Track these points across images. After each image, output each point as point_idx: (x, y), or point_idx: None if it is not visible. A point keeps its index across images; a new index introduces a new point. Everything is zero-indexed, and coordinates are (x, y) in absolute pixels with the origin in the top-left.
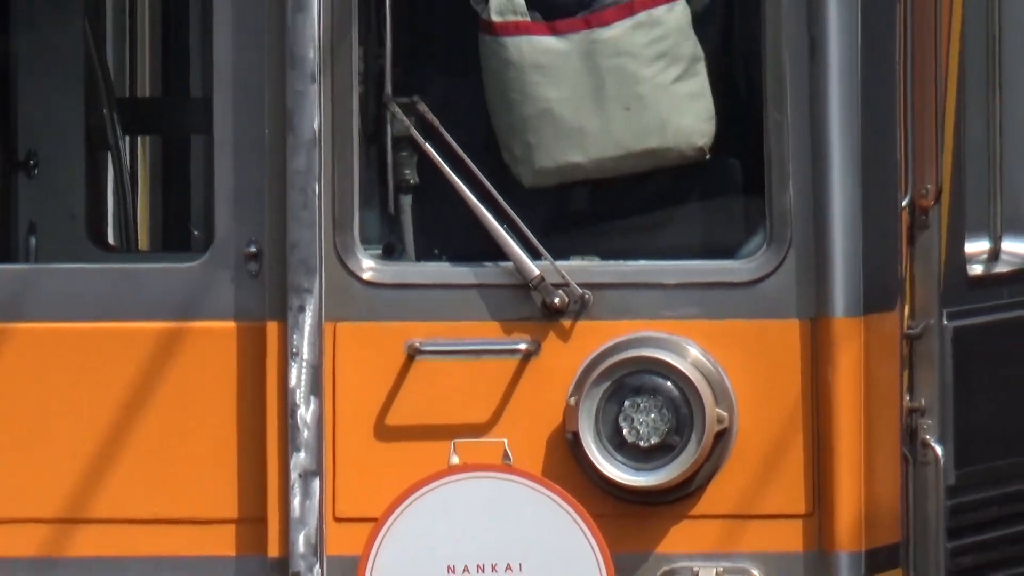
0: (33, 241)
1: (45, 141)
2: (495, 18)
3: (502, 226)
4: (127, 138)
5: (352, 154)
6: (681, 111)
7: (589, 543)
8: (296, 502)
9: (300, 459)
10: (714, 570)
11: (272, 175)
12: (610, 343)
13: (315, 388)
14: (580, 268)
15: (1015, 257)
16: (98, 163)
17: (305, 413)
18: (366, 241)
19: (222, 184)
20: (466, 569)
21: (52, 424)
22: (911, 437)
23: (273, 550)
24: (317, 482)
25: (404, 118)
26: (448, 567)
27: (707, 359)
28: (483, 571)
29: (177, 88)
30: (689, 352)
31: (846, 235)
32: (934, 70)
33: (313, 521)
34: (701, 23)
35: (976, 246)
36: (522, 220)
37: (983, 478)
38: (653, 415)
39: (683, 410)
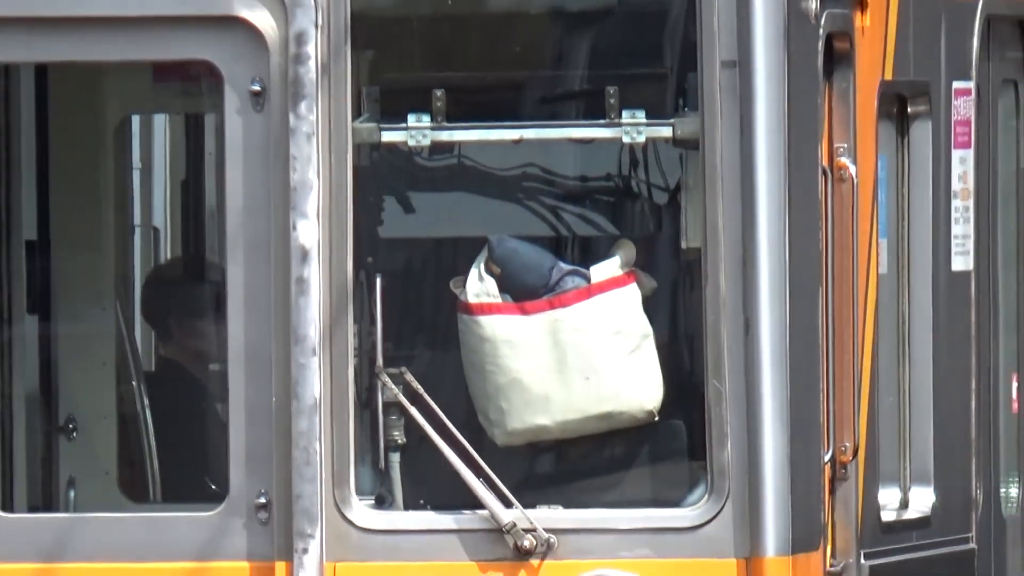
0: (72, 494)
1: (81, 408)
2: (471, 300)
3: (479, 479)
4: (149, 404)
5: (348, 418)
6: (633, 380)
7: None
8: None
9: None
10: None
11: (279, 436)
12: None
13: None
14: (546, 516)
15: (921, 505)
16: (127, 427)
17: None
18: (360, 493)
19: (235, 443)
20: None
21: None
22: None
23: None
24: None
25: (393, 387)
26: None
27: None
28: None
29: (194, 359)
30: None
31: (776, 486)
32: (851, 347)
33: None
34: (649, 305)
35: (888, 495)
36: (496, 474)
37: None
38: None
39: None
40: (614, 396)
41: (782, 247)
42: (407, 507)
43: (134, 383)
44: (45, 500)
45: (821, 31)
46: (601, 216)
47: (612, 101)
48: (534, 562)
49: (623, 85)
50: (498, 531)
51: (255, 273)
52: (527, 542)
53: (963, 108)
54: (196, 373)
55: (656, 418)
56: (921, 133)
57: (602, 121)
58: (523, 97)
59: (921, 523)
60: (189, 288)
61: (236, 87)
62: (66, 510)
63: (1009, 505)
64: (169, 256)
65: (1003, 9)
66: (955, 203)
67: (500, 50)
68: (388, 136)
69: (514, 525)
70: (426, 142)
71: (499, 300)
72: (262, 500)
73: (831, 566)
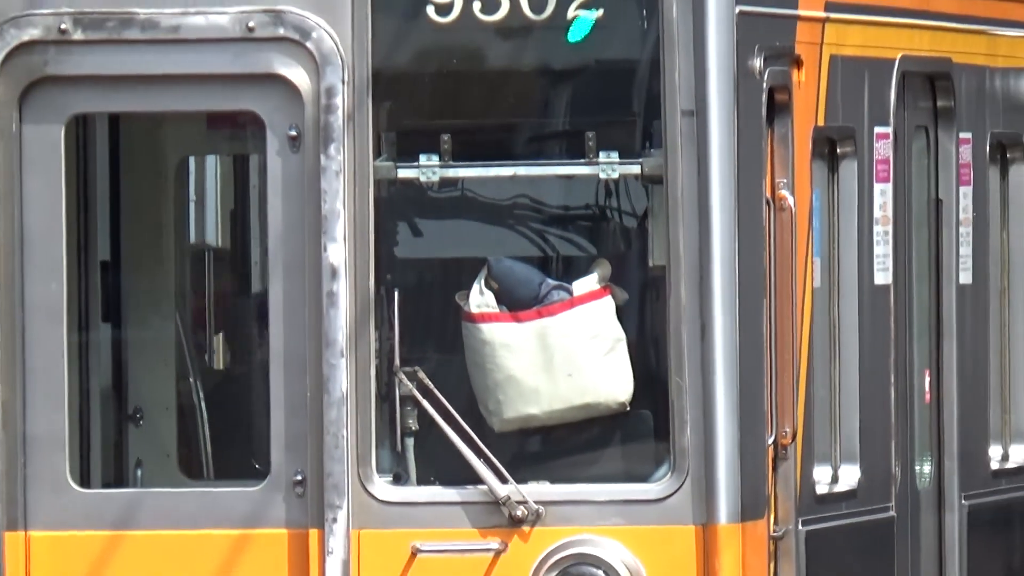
0: (139, 472)
1: (146, 400)
2: (474, 310)
3: (479, 459)
4: (204, 397)
5: (370, 409)
6: (608, 376)
7: None
8: None
9: None
10: None
11: (312, 424)
12: (558, 543)
13: (347, 574)
14: (535, 490)
15: (849, 480)
16: (185, 416)
17: None
18: (381, 471)
19: (276, 430)
20: None
21: None
22: None
23: None
24: None
25: (408, 383)
26: None
27: (628, 555)
28: None
29: (241, 359)
30: (615, 551)
31: (728, 465)
32: (791, 348)
33: None
34: (622, 313)
35: (821, 472)
36: (493, 455)
37: None
38: None
39: None
40: (592, 389)
41: (733, 265)
42: (420, 483)
43: (190, 379)
44: (116, 477)
45: (764, 85)
46: (581, 239)
47: (590, 143)
48: (525, 528)
49: (599, 130)
50: (495, 503)
51: (292, 288)
52: (519, 512)
53: (883, 149)
54: (243, 371)
55: (627, 408)
56: (848, 170)
57: (582, 160)
58: (516, 140)
59: (849, 495)
60: (243, 304)
61: (276, 133)
62: (133, 486)
63: (922, 479)
64: (220, 276)
65: (915, 66)
66: (877, 228)
67: (496, 101)
68: (403, 173)
69: (509, 498)
70: (435, 178)
71: (497, 310)
72: (299, 477)
73: (774, 531)
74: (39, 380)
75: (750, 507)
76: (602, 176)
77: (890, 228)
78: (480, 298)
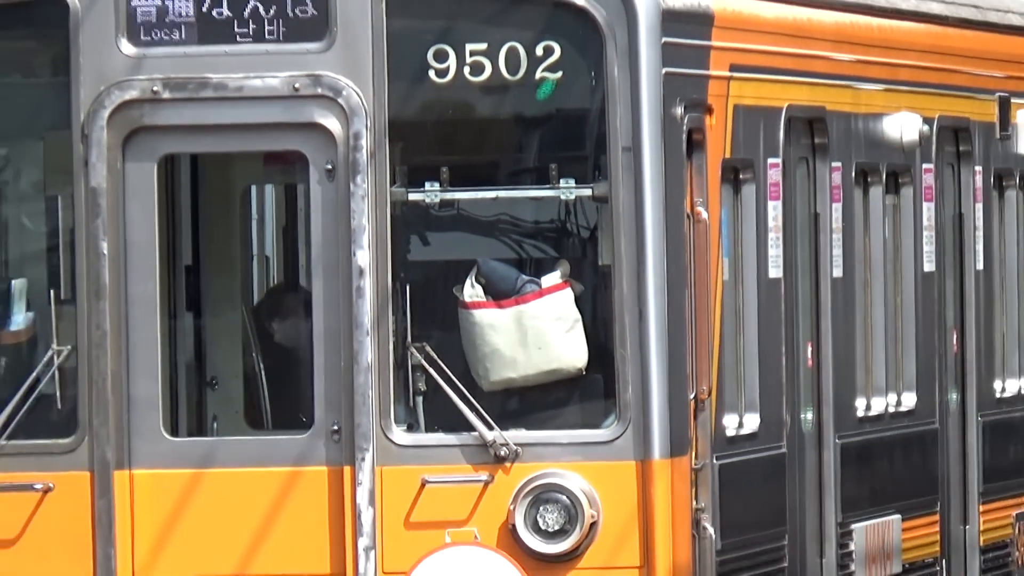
0: (215, 424)
1: (220, 370)
2: (467, 299)
3: (472, 412)
4: (263, 367)
5: (389, 375)
6: (569, 348)
7: None
8: (361, 562)
9: (363, 540)
10: None
11: (345, 386)
12: (531, 476)
13: (372, 501)
14: (514, 435)
15: (751, 426)
16: (249, 381)
17: (366, 515)
18: (397, 422)
19: (318, 391)
20: None
21: (231, 512)
22: (696, 524)
23: None
24: (373, 552)
25: (418, 355)
26: None
27: (585, 484)
28: None
29: (291, 338)
30: (575, 480)
31: (659, 415)
32: (706, 326)
33: (372, 574)
34: (579, 301)
35: (730, 419)
36: (483, 409)
37: (735, 545)
38: (556, 514)
39: (572, 511)
40: (557, 359)
41: (662, 264)
42: (427, 430)
43: (253, 353)
44: (198, 428)
45: (684, 128)
46: (547, 246)
47: (553, 173)
48: (507, 464)
49: (560, 163)
50: (484, 445)
51: (329, 284)
52: (503, 452)
53: (774, 175)
54: (293, 347)
55: (583, 373)
56: (748, 191)
57: (547, 186)
58: (497, 171)
59: (751, 437)
60: (292, 299)
61: (316, 167)
62: (210, 435)
63: (806, 424)
64: (276, 275)
65: (798, 113)
66: (770, 235)
67: (482, 141)
68: (412, 196)
69: (494, 441)
70: (436, 200)
71: (484, 299)
72: (335, 427)
73: (695, 465)
74: (139, 356)
75: (677, 446)
76: (562, 198)
77: (780, 235)
78: (471, 290)
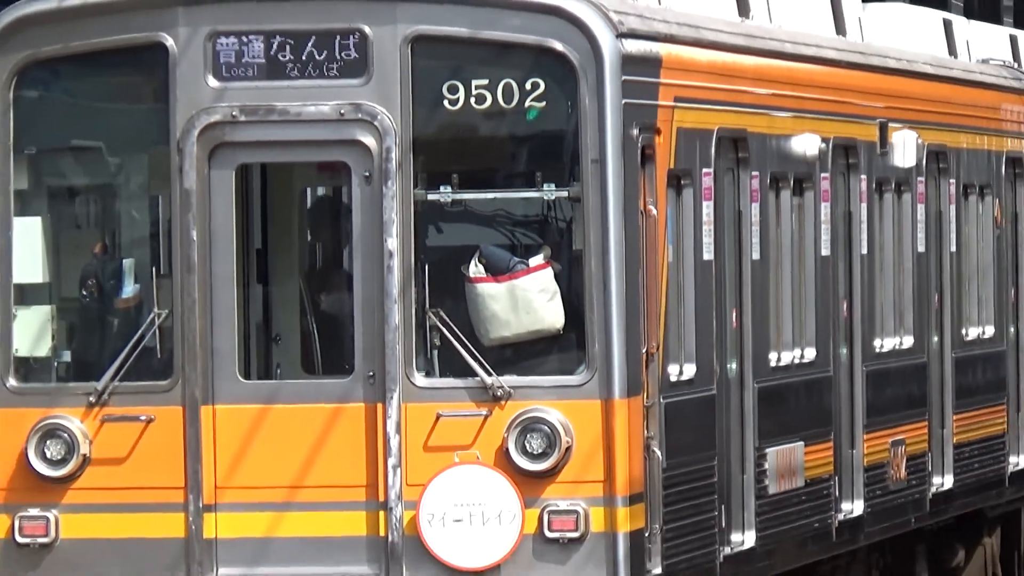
0: (279, 370)
1: (283, 329)
2: (471, 275)
3: (476, 362)
4: (316, 327)
5: (412, 333)
6: (550, 314)
7: (513, 494)
8: (390, 477)
9: (392, 459)
10: (567, 503)
11: (378, 341)
12: (521, 411)
13: (398, 430)
14: (508, 379)
15: (689, 373)
16: (306, 337)
17: (393, 441)
18: (418, 370)
19: (358, 345)
20: (461, 503)
21: (289, 438)
22: (647, 448)
23: (382, 497)
24: (399, 469)
25: (434, 318)
26: (454, 502)
27: (562, 417)
28: (469, 505)
29: (337, 304)
30: (554, 415)
31: (619, 365)
32: (655, 297)
33: (398, 486)
34: (558, 277)
35: (673, 368)
36: (484, 360)
37: (677, 464)
38: (539, 441)
39: (552, 438)
40: (541, 321)
41: (622, 249)
42: (440, 376)
43: (308, 316)
44: (265, 373)
45: (639, 145)
46: (534, 234)
47: (538, 178)
48: (502, 402)
49: (544, 171)
50: (484, 388)
51: (367, 263)
52: (498, 393)
53: (707, 181)
54: (339, 311)
55: (561, 332)
56: (687, 194)
57: (534, 189)
58: (496, 177)
59: (689, 382)
60: (338, 275)
61: (358, 174)
62: (274, 379)
63: (731, 372)
64: (324, 257)
65: (726, 134)
66: (704, 227)
67: (484, 154)
68: (430, 196)
69: (492, 384)
70: (449, 200)
71: (485, 276)
72: (371, 373)
73: (646, 403)
74: (220, 317)
75: (632, 389)
76: (545, 198)
77: (712, 227)
78: (475, 268)
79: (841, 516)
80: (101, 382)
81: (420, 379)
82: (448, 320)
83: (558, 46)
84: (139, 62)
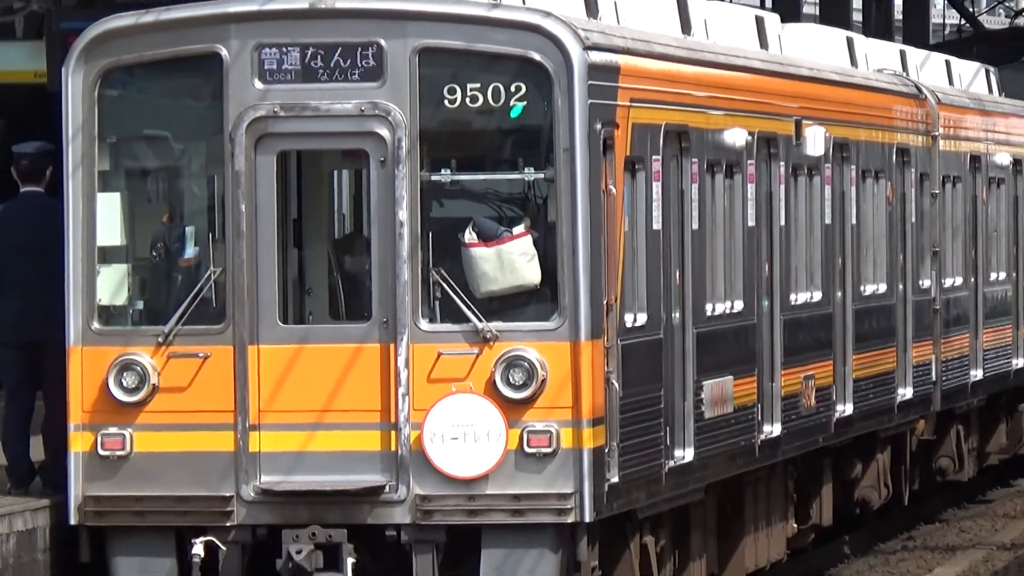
0: (311, 317)
1: (314, 283)
2: (467, 241)
3: (469, 311)
4: (340, 281)
5: (418, 287)
6: (530, 272)
7: (499, 417)
8: (400, 403)
9: (402, 388)
10: (542, 424)
11: (391, 295)
12: (506, 350)
13: (407, 365)
14: (496, 325)
15: (641, 320)
16: (332, 291)
17: (403, 374)
18: (423, 316)
19: (375, 297)
20: (457, 424)
21: (319, 371)
22: (607, 381)
23: (393, 419)
24: (407, 397)
25: (436, 275)
26: (451, 424)
27: (539, 356)
28: (463, 426)
29: (358, 264)
30: (533, 353)
31: (585, 314)
32: (615, 258)
33: (406, 410)
34: (536, 243)
35: (628, 316)
36: (477, 309)
37: (631, 394)
38: (520, 374)
39: (531, 372)
40: (522, 278)
41: (588, 220)
42: (441, 322)
43: (334, 273)
44: (299, 319)
45: (601, 137)
46: (517, 208)
47: (521, 163)
48: (491, 343)
49: (525, 157)
50: (476, 331)
51: (382, 232)
52: (488, 336)
53: (656, 167)
54: (360, 270)
55: (539, 288)
56: (640, 176)
57: (517, 172)
58: (486, 162)
59: (641, 328)
60: (359, 240)
61: (375, 159)
62: (306, 323)
63: (674, 319)
64: (348, 225)
65: (671, 128)
66: (654, 203)
67: (477, 144)
68: (433, 178)
69: (483, 329)
70: (448, 180)
71: (478, 241)
72: (385, 320)
73: (606, 344)
74: (264, 274)
75: (595, 333)
76: (526, 179)
77: (660, 203)
78: (470, 236)
79: (763, 436)
80: (167, 326)
81: (425, 324)
82: (447, 277)
83: (537, 57)
84: (199, 68)
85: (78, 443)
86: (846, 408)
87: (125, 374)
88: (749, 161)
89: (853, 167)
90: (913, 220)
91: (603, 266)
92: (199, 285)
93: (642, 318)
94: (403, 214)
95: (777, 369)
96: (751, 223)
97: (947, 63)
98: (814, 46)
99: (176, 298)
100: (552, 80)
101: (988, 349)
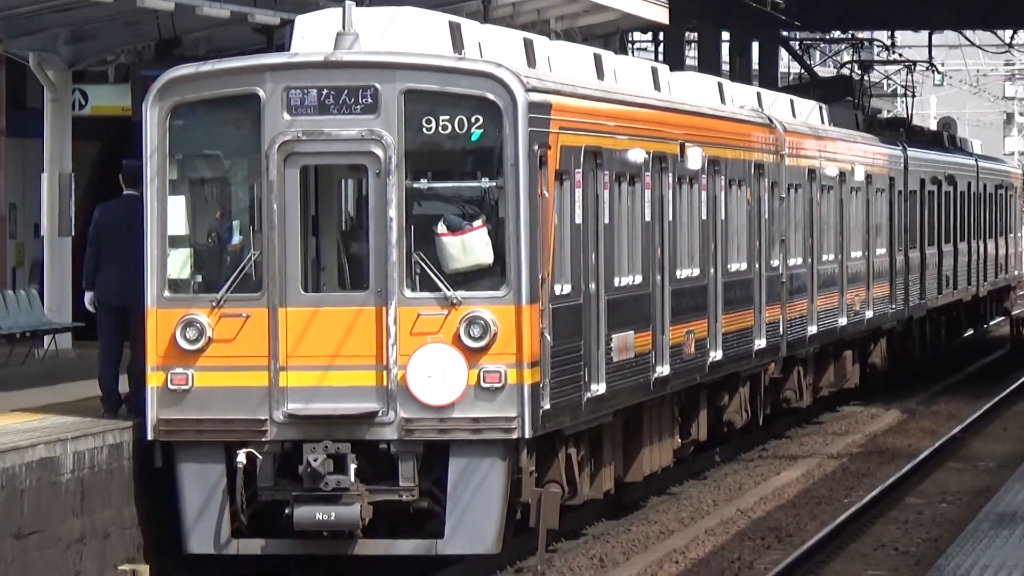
0: (324, 287)
1: (326, 262)
2: (439, 232)
3: (441, 283)
4: (347, 259)
5: (403, 265)
6: (486, 255)
7: (462, 361)
8: (391, 351)
9: (390, 340)
10: (494, 366)
11: (384, 270)
12: (467, 312)
13: (395, 322)
14: (460, 294)
15: (566, 290)
16: (340, 268)
17: (392, 329)
18: (406, 288)
19: (372, 272)
20: (432, 366)
21: (331, 328)
22: (542, 334)
23: (384, 362)
24: (395, 347)
25: (417, 257)
26: (427, 365)
27: (492, 316)
28: (436, 367)
29: (359, 249)
30: (487, 314)
31: (526, 286)
32: (547, 244)
33: (394, 356)
34: (490, 234)
35: (558, 287)
36: (447, 281)
37: (559, 344)
38: (478, 329)
39: (486, 328)
40: (480, 259)
41: (528, 218)
42: (420, 291)
43: (342, 255)
44: (316, 288)
45: (539, 156)
46: (476, 208)
47: (479, 174)
48: (456, 307)
49: (481, 170)
50: (446, 298)
51: (377, 227)
52: (454, 301)
53: (579, 178)
54: (360, 255)
55: (491, 266)
56: (567, 185)
57: (476, 181)
58: (453, 174)
59: (566, 295)
60: (360, 231)
61: (372, 171)
62: (321, 292)
63: (591, 289)
64: (351, 220)
65: (590, 149)
66: (576, 203)
67: (448, 161)
68: (415, 186)
69: (451, 296)
70: (426, 187)
71: (447, 232)
72: (379, 289)
73: (542, 308)
74: (291, 255)
75: (533, 299)
76: (483, 187)
77: (581, 204)
78: (441, 228)
79: (655, 375)
80: (219, 294)
81: (408, 293)
82: (425, 258)
83: (491, 96)
84: (242, 104)
85: (153, 380)
86: (717, 354)
87: (188, 329)
88: (646, 173)
89: (723, 177)
90: (766, 217)
91: (539, 250)
92: (242, 264)
93: (567, 288)
94: (392, 212)
95: (667, 326)
96: (648, 219)
97: (791, 101)
98: (694, 88)
99: (225, 274)
100: (502, 114)
101: (820, 311)
